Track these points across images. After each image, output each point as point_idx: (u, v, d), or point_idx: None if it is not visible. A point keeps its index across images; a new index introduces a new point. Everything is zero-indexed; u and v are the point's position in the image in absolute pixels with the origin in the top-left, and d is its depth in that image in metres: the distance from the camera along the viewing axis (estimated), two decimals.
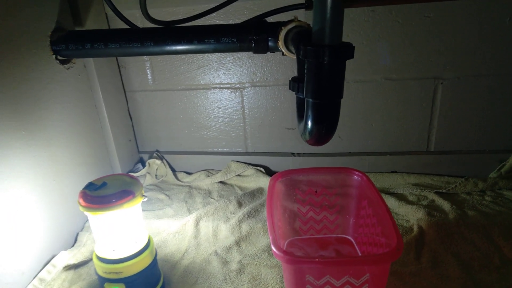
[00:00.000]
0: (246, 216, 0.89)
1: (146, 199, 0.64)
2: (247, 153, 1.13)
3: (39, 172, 0.75)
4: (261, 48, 0.78)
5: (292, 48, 0.69)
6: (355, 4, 0.80)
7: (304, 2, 0.82)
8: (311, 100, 0.51)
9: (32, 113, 0.73)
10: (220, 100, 1.07)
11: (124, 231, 0.63)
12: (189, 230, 0.86)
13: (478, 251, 0.74)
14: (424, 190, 0.96)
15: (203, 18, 0.85)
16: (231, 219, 0.89)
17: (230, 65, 1.02)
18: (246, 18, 0.95)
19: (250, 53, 1.00)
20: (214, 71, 1.04)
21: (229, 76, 1.04)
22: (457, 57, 0.93)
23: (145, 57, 1.05)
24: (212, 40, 0.77)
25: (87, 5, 0.90)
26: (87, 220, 0.90)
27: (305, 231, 0.76)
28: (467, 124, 1.01)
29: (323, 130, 0.52)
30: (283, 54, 0.78)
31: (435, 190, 0.95)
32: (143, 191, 0.64)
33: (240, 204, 0.95)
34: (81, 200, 0.60)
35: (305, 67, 0.51)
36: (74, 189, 0.85)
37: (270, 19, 0.78)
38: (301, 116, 0.59)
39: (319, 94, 0.50)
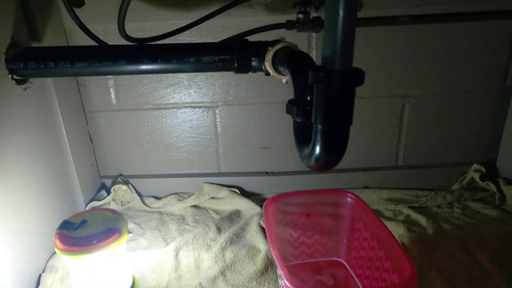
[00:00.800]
0: (228, 242, 0.84)
1: (132, 234, 0.58)
2: (220, 174, 1.09)
3: None
4: (244, 68, 0.75)
5: (281, 69, 0.68)
6: None
7: (285, 21, 0.81)
8: (320, 126, 0.49)
9: None
10: (191, 120, 1.02)
11: (108, 274, 0.56)
12: (168, 262, 0.79)
13: (459, 264, 0.77)
14: (398, 205, 0.98)
15: (174, 36, 0.82)
16: (213, 246, 0.84)
17: (202, 83, 0.98)
18: (220, 37, 0.92)
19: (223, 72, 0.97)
20: (185, 89, 0.99)
21: (201, 94, 0.99)
22: (422, 76, 0.98)
23: (108, 75, 0.97)
24: (193, 60, 0.73)
25: (44, 19, 0.81)
26: (49, 258, 0.79)
27: (296, 256, 0.74)
28: (431, 139, 1.06)
29: (332, 157, 0.50)
30: (267, 74, 0.76)
31: (408, 205, 0.98)
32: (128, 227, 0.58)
33: (219, 230, 0.90)
34: (58, 243, 0.52)
35: (314, 92, 0.49)
36: (35, 224, 0.74)
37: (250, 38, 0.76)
38: (301, 141, 0.57)
39: (329, 120, 0.48)
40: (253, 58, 0.74)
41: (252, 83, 0.98)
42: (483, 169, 1.03)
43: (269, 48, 0.69)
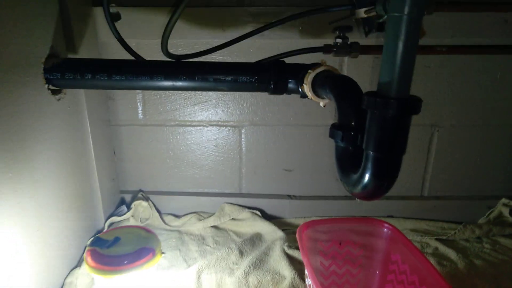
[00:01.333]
0: (251, 267, 0.81)
1: (164, 255, 0.56)
2: (241, 195, 1.06)
3: (22, 222, 0.63)
4: (280, 89, 0.75)
5: (321, 92, 0.67)
6: (372, 51, 0.80)
7: (323, 45, 0.81)
8: (372, 153, 0.47)
9: (19, 152, 0.62)
10: (216, 138, 1.01)
11: None
12: (191, 285, 0.76)
13: None
14: (424, 236, 0.95)
15: (206, 55, 0.82)
16: (235, 270, 0.81)
17: (230, 102, 0.98)
18: (251, 57, 0.92)
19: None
20: (212, 107, 0.98)
21: (228, 113, 0.98)
22: (453, 106, 0.97)
23: (138, 90, 0.96)
24: (230, 79, 0.72)
25: (81, 32, 0.82)
26: (68, 274, 0.76)
27: (326, 286, 0.71)
28: (459, 171, 1.04)
29: (383, 186, 0.49)
30: (303, 96, 0.75)
31: (436, 237, 0.95)
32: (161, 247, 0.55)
33: (241, 253, 0.87)
34: (90, 260, 0.50)
35: (368, 118, 0.48)
36: (56, 239, 0.72)
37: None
38: (345, 167, 0.55)
39: (383, 147, 0.47)
40: (289, 80, 0.74)
41: (280, 104, 0.97)
42: None
43: (309, 71, 0.68)
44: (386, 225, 0.66)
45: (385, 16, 0.48)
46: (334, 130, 0.56)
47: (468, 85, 0.95)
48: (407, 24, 0.43)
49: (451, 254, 0.87)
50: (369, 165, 0.48)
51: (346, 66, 0.93)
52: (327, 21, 0.85)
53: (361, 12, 0.58)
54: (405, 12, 0.42)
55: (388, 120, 0.45)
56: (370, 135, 0.48)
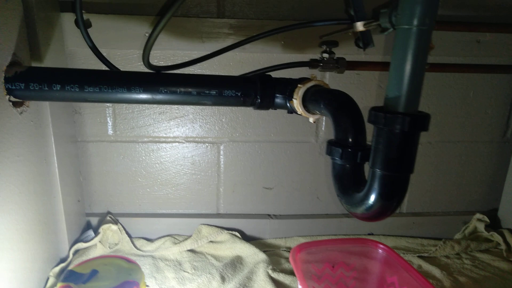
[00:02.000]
0: None
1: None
2: (219, 215, 1.01)
3: None
4: (266, 104, 0.72)
5: (312, 108, 0.64)
6: (360, 67, 0.79)
7: (309, 60, 0.79)
8: (380, 171, 0.45)
9: None
10: (193, 156, 0.95)
11: None
12: None
13: None
14: (407, 254, 0.94)
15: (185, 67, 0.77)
16: None
17: (209, 117, 0.93)
18: (232, 71, 0.89)
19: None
20: (189, 123, 0.93)
21: (206, 129, 0.94)
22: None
23: (108, 103, 0.89)
24: (214, 92, 0.68)
25: (47, 38, 0.74)
26: None
27: None
28: (435, 187, 1.05)
29: (391, 206, 0.46)
30: (290, 112, 0.73)
31: (417, 254, 0.94)
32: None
33: (223, 279, 0.81)
34: None
35: (374, 134, 0.45)
36: (13, 271, 0.63)
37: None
38: (346, 185, 0.52)
39: (392, 166, 0.44)
40: (276, 95, 0.71)
41: (260, 120, 0.94)
42: (486, 219, 1.02)
43: (299, 85, 0.66)
44: (381, 245, 0.64)
45: (390, 29, 0.46)
46: (332, 147, 0.53)
47: (442, 102, 0.97)
48: (417, 36, 0.41)
49: (435, 271, 0.86)
50: (376, 184, 0.46)
51: (328, 80, 0.92)
52: (310, 36, 0.83)
53: (360, 25, 0.57)
54: (415, 24, 0.41)
55: (398, 136, 0.43)
56: (377, 152, 0.45)
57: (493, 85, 0.97)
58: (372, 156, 0.46)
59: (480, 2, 0.87)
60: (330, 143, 0.54)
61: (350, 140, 0.52)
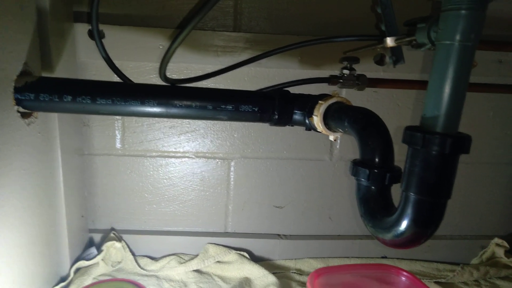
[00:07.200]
0: None
1: None
2: (226, 234, 0.97)
3: None
4: (284, 120, 0.69)
5: (334, 125, 0.62)
6: (380, 85, 0.76)
7: (329, 76, 0.76)
8: (415, 196, 0.42)
9: None
10: (202, 172, 0.92)
11: None
12: None
13: None
14: (423, 279, 0.90)
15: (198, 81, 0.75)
16: None
17: (220, 132, 0.90)
18: (246, 86, 0.87)
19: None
20: (200, 138, 0.90)
21: (217, 144, 0.91)
22: None
23: (118, 116, 0.87)
24: (230, 107, 0.65)
25: (59, 49, 0.72)
26: None
27: None
28: (451, 210, 1.01)
29: (426, 234, 0.43)
30: (309, 129, 0.70)
31: (434, 280, 0.90)
32: None
33: None
34: None
35: (409, 155, 0.42)
36: None
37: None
38: (374, 209, 0.49)
39: (429, 190, 0.41)
40: (295, 111, 0.68)
41: (273, 136, 0.91)
42: (506, 244, 0.98)
43: (320, 102, 0.63)
44: (404, 273, 0.60)
45: (428, 45, 0.44)
46: (357, 167, 0.50)
47: (461, 122, 0.94)
48: (460, 52, 0.38)
49: None
50: (410, 209, 0.43)
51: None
52: (328, 52, 0.81)
53: (391, 41, 0.55)
54: (458, 40, 0.38)
55: (436, 159, 0.40)
56: (412, 175, 0.42)
57: None
58: (405, 179, 0.43)
59: (503, 22, 0.85)
60: (356, 163, 0.51)
61: (377, 160, 0.49)
